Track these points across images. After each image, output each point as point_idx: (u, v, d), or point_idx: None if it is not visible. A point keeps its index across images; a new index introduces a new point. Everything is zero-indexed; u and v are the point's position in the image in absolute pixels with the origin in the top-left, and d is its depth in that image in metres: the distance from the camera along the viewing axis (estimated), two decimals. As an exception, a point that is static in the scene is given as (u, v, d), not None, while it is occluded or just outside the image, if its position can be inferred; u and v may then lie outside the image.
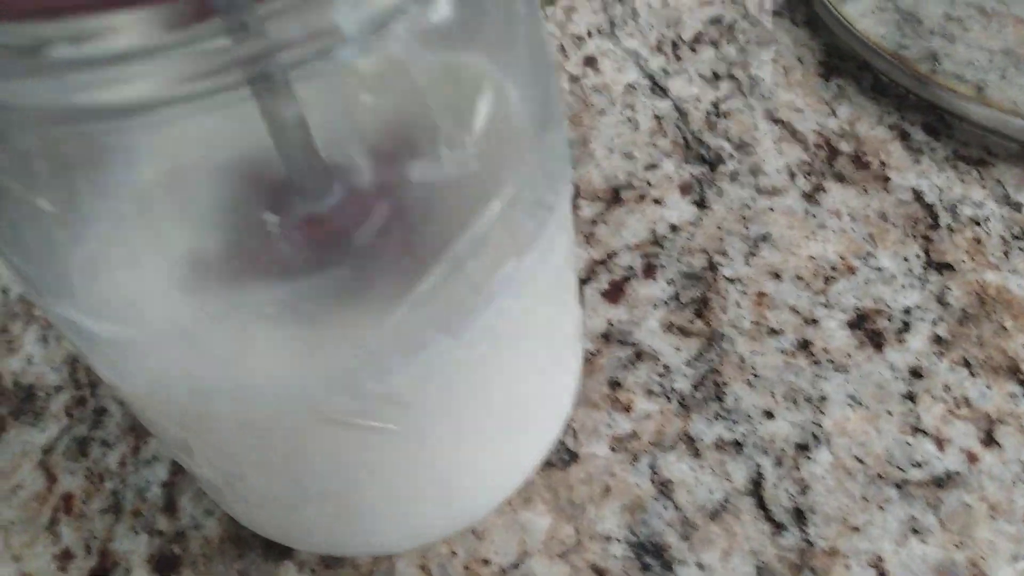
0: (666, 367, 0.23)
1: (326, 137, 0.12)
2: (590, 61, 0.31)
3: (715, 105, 0.29)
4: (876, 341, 0.23)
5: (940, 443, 0.21)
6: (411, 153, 0.12)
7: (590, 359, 0.23)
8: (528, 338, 0.16)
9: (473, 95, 0.13)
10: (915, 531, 0.20)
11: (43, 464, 0.23)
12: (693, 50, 0.31)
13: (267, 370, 0.13)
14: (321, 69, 0.10)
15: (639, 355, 0.23)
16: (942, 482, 0.20)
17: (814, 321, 0.23)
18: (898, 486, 0.20)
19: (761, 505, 0.20)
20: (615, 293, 0.25)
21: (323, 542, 0.19)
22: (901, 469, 0.21)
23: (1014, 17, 0.29)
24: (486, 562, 0.20)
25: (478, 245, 0.13)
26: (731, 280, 0.24)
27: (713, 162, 0.27)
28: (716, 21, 0.32)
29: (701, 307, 0.24)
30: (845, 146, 0.27)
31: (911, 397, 0.22)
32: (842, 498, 0.20)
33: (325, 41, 0.10)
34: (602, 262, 0.25)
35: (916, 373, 0.22)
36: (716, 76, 0.30)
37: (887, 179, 0.26)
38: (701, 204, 0.26)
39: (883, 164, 0.27)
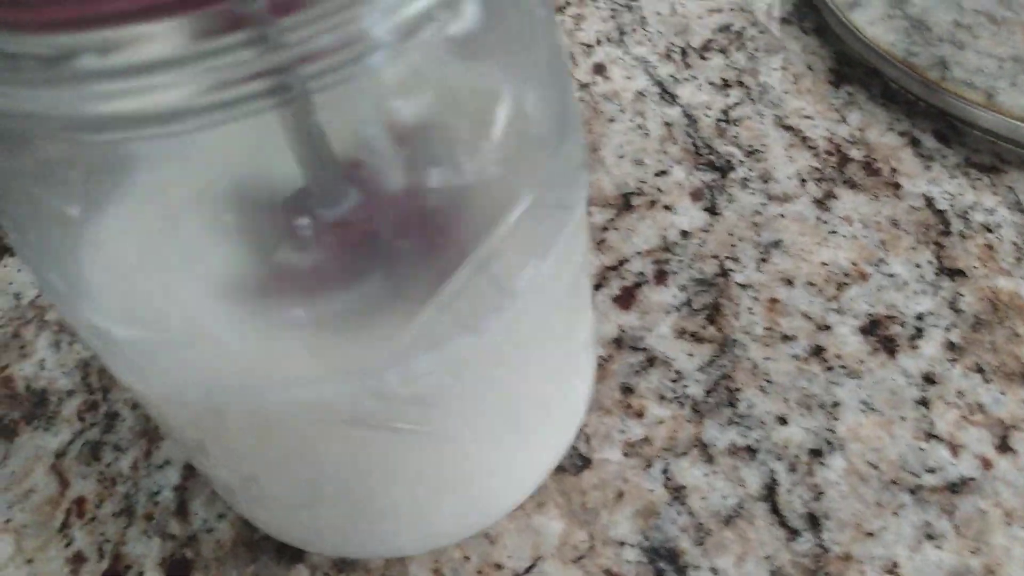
0: (678, 373, 0.23)
1: (348, 144, 0.12)
2: (599, 68, 0.31)
3: (725, 112, 0.29)
4: (889, 347, 0.23)
5: (954, 449, 0.21)
6: (432, 160, 0.12)
7: (602, 365, 0.23)
8: (547, 339, 0.16)
9: (493, 101, 0.13)
10: (930, 537, 0.20)
11: (55, 468, 0.23)
12: (702, 57, 0.31)
13: (293, 373, 0.13)
14: (347, 76, 0.10)
15: (651, 361, 0.23)
16: (956, 488, 0.20)
17: (827, 327, 0.23)
18: (912, 492, 0.20)
19: (775, 511, 0.20)
20: (627, 299, 0.25)
21: (337, 544, 0.19)
22: (915, 475, 0.21)
23: (1023, 24, 0.29)
24: (499, 567, 0.20)
25: (501, 247, 0.13)
26: (743, 286, 0.24)
27: (723, 169, 0.27)
28: (725, 29, 0.32)
29: (713, 313, 0.24)
30: (855, 153, 0.27)
31: (925, 403, 0.22)
32: (856, 504, 0.20)
33: (356, 49, 0.10)
34: (613, 268, 0.25)
35: (929, 379, 0.22)
36: (726, 83, 0.30)
37: (898, 186, 0.26)
38: (712, 210, 0.26)
39: (894, 171, 0.27)
